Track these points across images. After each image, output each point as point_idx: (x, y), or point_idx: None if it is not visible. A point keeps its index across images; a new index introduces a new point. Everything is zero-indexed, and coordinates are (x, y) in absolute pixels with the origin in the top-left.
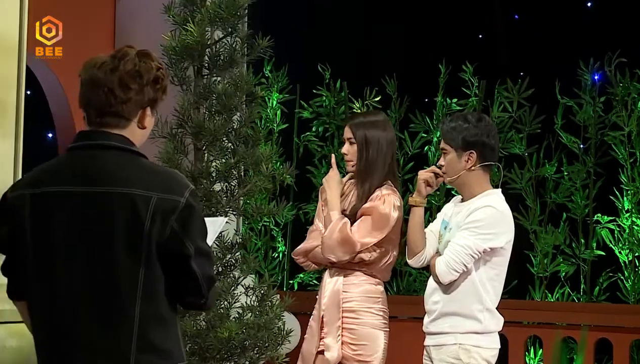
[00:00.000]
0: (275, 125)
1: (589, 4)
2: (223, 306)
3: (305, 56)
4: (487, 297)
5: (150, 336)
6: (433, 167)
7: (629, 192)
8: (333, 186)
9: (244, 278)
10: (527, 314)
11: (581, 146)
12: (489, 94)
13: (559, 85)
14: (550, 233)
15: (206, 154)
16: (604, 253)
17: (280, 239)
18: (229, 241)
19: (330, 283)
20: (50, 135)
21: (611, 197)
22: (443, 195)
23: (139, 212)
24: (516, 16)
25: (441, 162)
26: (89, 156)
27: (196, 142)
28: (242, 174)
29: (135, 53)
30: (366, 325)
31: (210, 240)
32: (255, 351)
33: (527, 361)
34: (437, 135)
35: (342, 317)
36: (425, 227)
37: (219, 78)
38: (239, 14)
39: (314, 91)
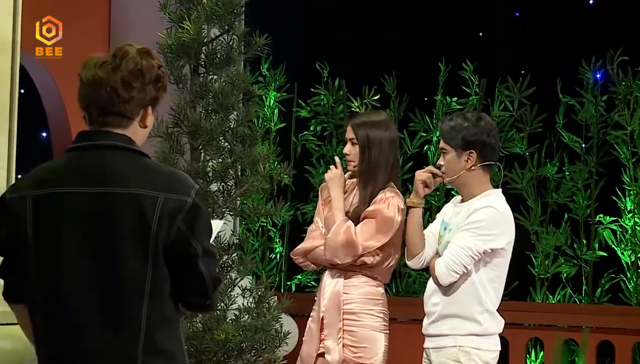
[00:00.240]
0: (272, 124)
1: (590, 1)
2: (220, 307)
3: (303, 54)
4: (487, 299)
5: (156, 338)
6: (430, 168)
7: (631, 192)
8: (336, 185)
9: (240, 279)
10: (528, 316)
11: (583, 145)
12: (489, 93)
13: (560, 84)
14: (551, 234)
15: (202, 154)
16: (606, 254)
17: (277, 240)
18: (225, 241)
19: (331, 285)
20: (44, 134)
21: (613, 197)
22: (443, 195)
23: (145, 213)
24: (517, 13)
25: (440, 161)
26: (93, 157)
27: (192, 141)
28: (239, 174)
29: (136, 52)
30: (366, 327)
31: None
32: (252, 354)
33: None
34: (437, 134)
35: (343, 319)
36: (425, 228)
37: (215, 76)
38: (235, 11)
39: (312, 90)
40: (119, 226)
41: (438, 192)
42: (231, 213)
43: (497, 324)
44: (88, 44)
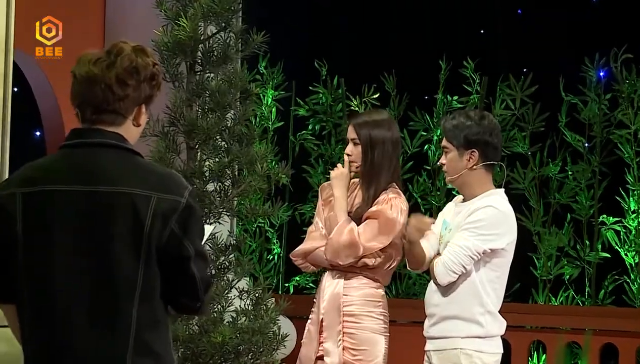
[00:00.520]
0: (270, 123)
1: None
2: (216, 309)
3: (301, 52)
4: (488, 300)
5: (146, 339)
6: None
7: (635, 192)
8: (341, 185)
9: (238, 281)
10: (530, 318)
11: (586, 144)
12: (490, 91)
13: (563, 82)
14: (554, 235)
15: (199, 153)
16: (609, 255)
17: (275, 241)
18: (222, 242)
19: (330, 286)
20: (37, 133)
21: (617, 197)
22: (443, 195)
23: (139, 212)
24: (519, 10)
25: (442, 160)
26: (85, 154)
27: (189, 140)
28: (236, 173)
29: (131, 49)
30: (366, 330)
31: None
32: (249, 356)
33: None
34: (438, 133)
35: (343, 321)
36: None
37: (212, 75)
38: (232, 8)
39: (310, 88)
40: (111, 225)
41: (439, 192)
42: (228, 214)
43: (499, 325)
44: (88, 43)
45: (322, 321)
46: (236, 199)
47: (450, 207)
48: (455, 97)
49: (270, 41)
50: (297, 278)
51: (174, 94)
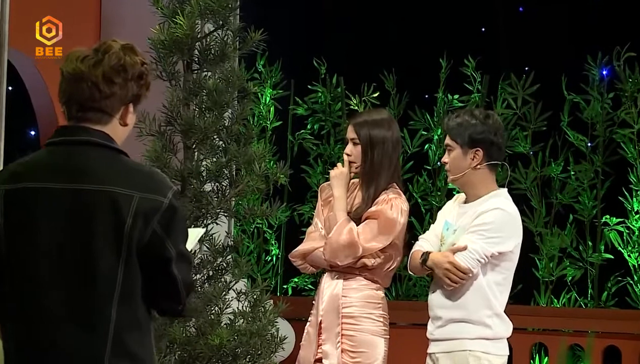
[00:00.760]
0: (268, 122)
1: None
2: (214, 311)
3: (300, 50)
4: (496, 302)
5: (125, 341)
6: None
7: (638, 192)
8: (340, 184)
9: (235, 283)
10: (532, 320)
11: (589, 144)
12: (492, 90)
13: (565, 81)
14: (556, 235)
15: (196, 153)
16: (612, 256)
17: (273, 242)
18: (220, 244)
19: (329, 287)
20: (32, 132)
21: (620, 198)
22: (444, 195)
23: (120, 211)
24: (521, 8)
25: (445, 159)
26: (70, 152)
27: (186, 140)
28: (234, 173)
29: (120, 47)
30: (365, 332)
31: None
32: (247, 359)
33: None
34: (438, 133)
35: (342, 323)
36: (427, 229)
37: (209, 73)
38: (230, 5)
39: (309, 87)
40: (93, 223)
41: (439, 193)
42: (226, 214)
43: (507, 327)
44: (88, 43)
45: (320, 322)
46: (234, 199)
47: (450, 206)
48: (456, 96)
49: (269, 39)
50: (296, 280)
51: (171, 92)
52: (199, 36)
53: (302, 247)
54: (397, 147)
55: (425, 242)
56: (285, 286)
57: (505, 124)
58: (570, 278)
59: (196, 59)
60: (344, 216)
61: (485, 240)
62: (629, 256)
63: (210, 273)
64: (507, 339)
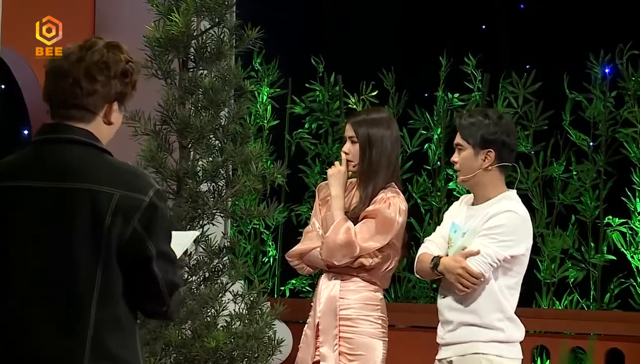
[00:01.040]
0: (265, 121)
1: None
2: (210, 314)
3: (298, 48)
4: (508, 305)
5: (106, 342)
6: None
7: None
8: (337, 183)
9: (232, 284)
10: (534, 322)
11: (591, 143)
12: (492, 89)
13: (567, 79)
14: (558, 236)
15: (192, 153)
16: (615, 258)
17: (270, 243)
18: (216, 245)
19: (327, 289)
20: (25, 131)
21: (623, 198)
22: (444, 196)
23: (99, 209)
24: (522, 5)
25: (454, 158)
26: (52, 151)
27: (181, 139)
28: (231, 173)
29: (104, 44)
30: (363, 334)
31: (177, 254)
32: (244, 362)
33: None
34: (438, 132)
35: (339, 325)
36: (433, 231)
37: (205, 71)
38: (226, 3)
39: (307, 85)
40: (73, 221)
41: (439, 193)
42: (222, 215)
43: (520, 331)
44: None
45: (318, 324)
46: (230, 199)
47: (457, 208)
48: (456, 95)
49: (265, 37)
50: (294, 281)
51: (166, 91)
52: (194, 34)
53: (299, 247)
54: (396, 146)
55: (432, 245)
56: (282, 288)
57: None
58: (572, 280)
59: (192, 57)
60: (341, 215)
61: (498, 244)
62: (632, 257)
63: (207, 274)
64: None
